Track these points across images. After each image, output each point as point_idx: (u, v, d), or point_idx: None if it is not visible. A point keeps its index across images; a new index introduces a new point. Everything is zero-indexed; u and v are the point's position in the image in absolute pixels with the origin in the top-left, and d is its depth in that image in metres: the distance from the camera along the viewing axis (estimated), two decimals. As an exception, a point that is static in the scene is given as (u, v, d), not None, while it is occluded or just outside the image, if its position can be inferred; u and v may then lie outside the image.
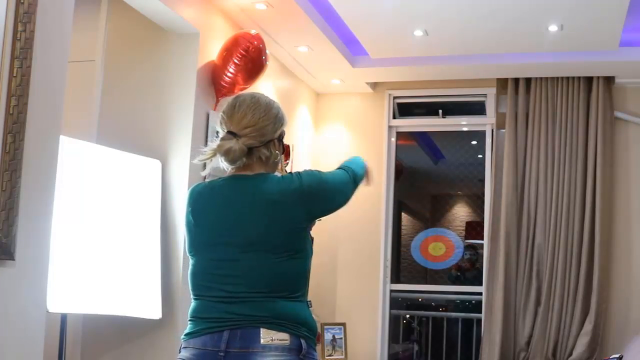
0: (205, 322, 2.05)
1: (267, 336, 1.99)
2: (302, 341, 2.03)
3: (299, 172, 2.16)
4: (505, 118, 5.35)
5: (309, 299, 2.17)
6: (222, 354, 1.98)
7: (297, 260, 2.09)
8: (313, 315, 2.17)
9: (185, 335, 2.09)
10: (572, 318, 5.01)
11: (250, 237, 2.06)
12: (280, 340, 1.99)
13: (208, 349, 2.01)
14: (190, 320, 2.10)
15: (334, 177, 2.24)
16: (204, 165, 2.18)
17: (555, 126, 5.22)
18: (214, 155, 2.10)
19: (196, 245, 2.14)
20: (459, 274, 5.96)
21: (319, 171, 2.23)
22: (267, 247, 2.06)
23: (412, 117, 5.87)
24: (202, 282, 2.10)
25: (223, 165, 2.14)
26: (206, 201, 2.16)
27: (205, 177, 2.26)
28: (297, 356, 2.01)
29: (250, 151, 2.12)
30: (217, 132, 2.18)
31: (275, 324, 2.01)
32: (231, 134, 2.11)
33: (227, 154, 2.08)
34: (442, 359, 5.99)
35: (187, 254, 2.19)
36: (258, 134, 2.13)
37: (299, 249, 2.10)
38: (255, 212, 2.08)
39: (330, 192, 2.20)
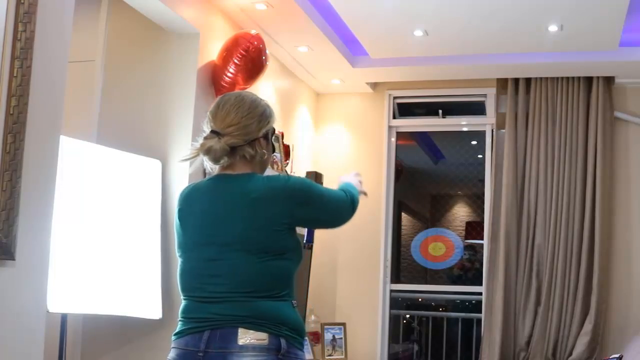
0: (190, 322, 2.07)
1: (244, 336, 1.98)
2: (282, 340, 2.01)
3: (289, 175, 2.18)
4: (505, 118, 5.35)
5: (293, 300, 2.13)
6: (201, 354, 2.00)
7: (280, 261, 2.07)
8: (298, 314, 2.13)
9: (174, 335, 2.11)
10: (572, 318, 5.01)
11: (231, 236, 2.06)
12: (257, 340, 1.98)
13: (189, 349, 2.03)
14: (179, 320, 2.13)
15: (329, 190, 2.23)
16: (204, 170, 2.19)
17: (555, 126, 5.22)
18: (198, 154, 2.10)
19: (182, 245, 2.17)
20: (461, 273, 5.96)
21: (311, 181, 2.23)
22: (247, 247, 2.05)
23: (412, 117, 5.87)
24: (188, 282, 2.13)
25: (207, 165, 2.13)
26: (191, 202, 2.17)
27: (205, 174, 2.27)
28: (276, 356, 1.99)
29: (233, 150, 2.11)
30: (204, 131, 2.17)
31: (254, 324, 2.00)
32: (214, 133, 2.11)
33: (208, 153, 2.08)
34: (442, 359, 5.99)
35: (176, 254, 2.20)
36: (241, 133, 2.11)
37: (282, 250, 2.08)
38: (236, 211, 2.07)
39: (319, 199, 2.17)
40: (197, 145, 2.10)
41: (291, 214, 2.08)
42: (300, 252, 2.17)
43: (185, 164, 3.70)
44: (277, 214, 2.06)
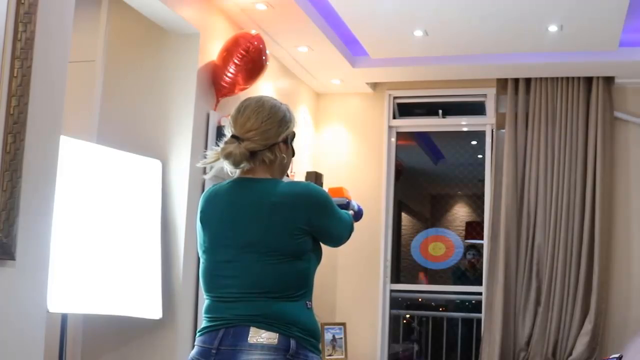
0: (209, 320, 2.12)
1: (255, 335, 2.02)
2: (292, 341, 2.03)
3: (309, 182, 2.23)
4: (505, 118, 5.35)
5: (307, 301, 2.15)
6: (214, 351, 2.05)
7: (297, 263, 2.11)
8: (313, 315, 2.16)
9: (197, 332, 2.17)
10: (571, 318, 5.01)
11: (248, 239, 2.10)
12: (267, 339, 2.02)
13: (205, 346, 2.08)
14: (203, 318, 2.17)
15: (339, 209, 2.28)
16: (204, 170, 2.22)
17: (555, 126, 5.23)
18: (218, 159, 2.14)
19: (203, 246, 2.20)
20: (467, 269, 5.96)
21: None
22: (262, 250, 2.08)
23: (412, 117, 5.87)
24: (208, 283, 2.17)
25: (227, 169, 2.17)
26: (212, 204, 2.21)
27: (223, 179, 2.29)
28: (284, 356, 2.01)
29: (253, 155, 2.15)
30: (224, 136, 2.21)
31: (266, 323, 2.03)
32: (234, 137, 2.15)
33: (228, 158, 2.12)
34: (442, 359, 5.99)
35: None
36: (261, 138, 2.15)
37: (299, 253, 2.11)
38: (254, 215, 2.11)
39: (333, 213, 2.22)
40: (218, 149, 2.15)
41: (309, 221, 2.12)
42: (320, 251, 2.22)
43: (186, 164, 3.82)
44: (295, 220, 2.10)
